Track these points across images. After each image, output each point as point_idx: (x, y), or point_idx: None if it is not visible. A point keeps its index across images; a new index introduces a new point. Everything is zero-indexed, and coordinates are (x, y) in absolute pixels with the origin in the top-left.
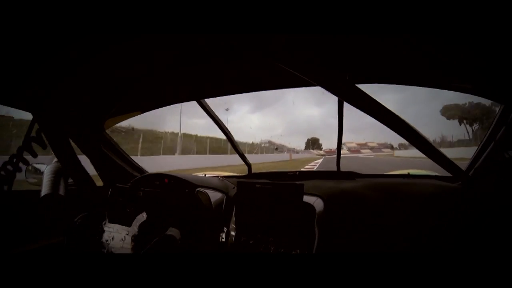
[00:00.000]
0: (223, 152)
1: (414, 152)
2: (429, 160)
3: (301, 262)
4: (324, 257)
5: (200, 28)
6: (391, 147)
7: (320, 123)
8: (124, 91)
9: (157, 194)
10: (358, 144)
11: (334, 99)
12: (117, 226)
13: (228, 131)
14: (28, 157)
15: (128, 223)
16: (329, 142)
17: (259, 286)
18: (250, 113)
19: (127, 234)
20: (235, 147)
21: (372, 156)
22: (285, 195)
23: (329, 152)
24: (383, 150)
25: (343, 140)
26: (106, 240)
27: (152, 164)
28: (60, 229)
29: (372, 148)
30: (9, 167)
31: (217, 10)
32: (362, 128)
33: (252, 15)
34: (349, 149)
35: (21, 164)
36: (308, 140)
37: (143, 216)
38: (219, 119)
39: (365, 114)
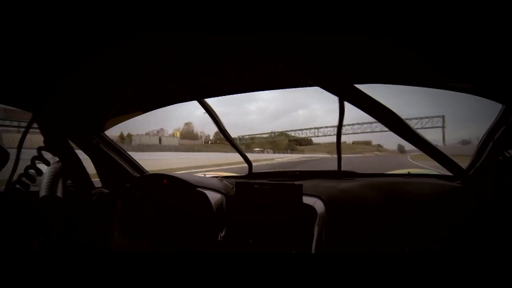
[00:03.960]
0: None
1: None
2: None
3: (300, 262)
4: (323, 257)
5: (200, 28)
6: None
7: None
8: (124, 91)
9: (156, 194)
10: None
11: None
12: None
13: (226, 130)
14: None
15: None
16: None
17: (258, 286)
18: None
19: None
20: (235, 146)
21: None
22: (283, 196)
23: None
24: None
25: None
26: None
27: None
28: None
29: None
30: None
31: (217, 10)
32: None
33: (252, 15)
34: None
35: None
36: None
37: None
38: (219, 119)
39: None
